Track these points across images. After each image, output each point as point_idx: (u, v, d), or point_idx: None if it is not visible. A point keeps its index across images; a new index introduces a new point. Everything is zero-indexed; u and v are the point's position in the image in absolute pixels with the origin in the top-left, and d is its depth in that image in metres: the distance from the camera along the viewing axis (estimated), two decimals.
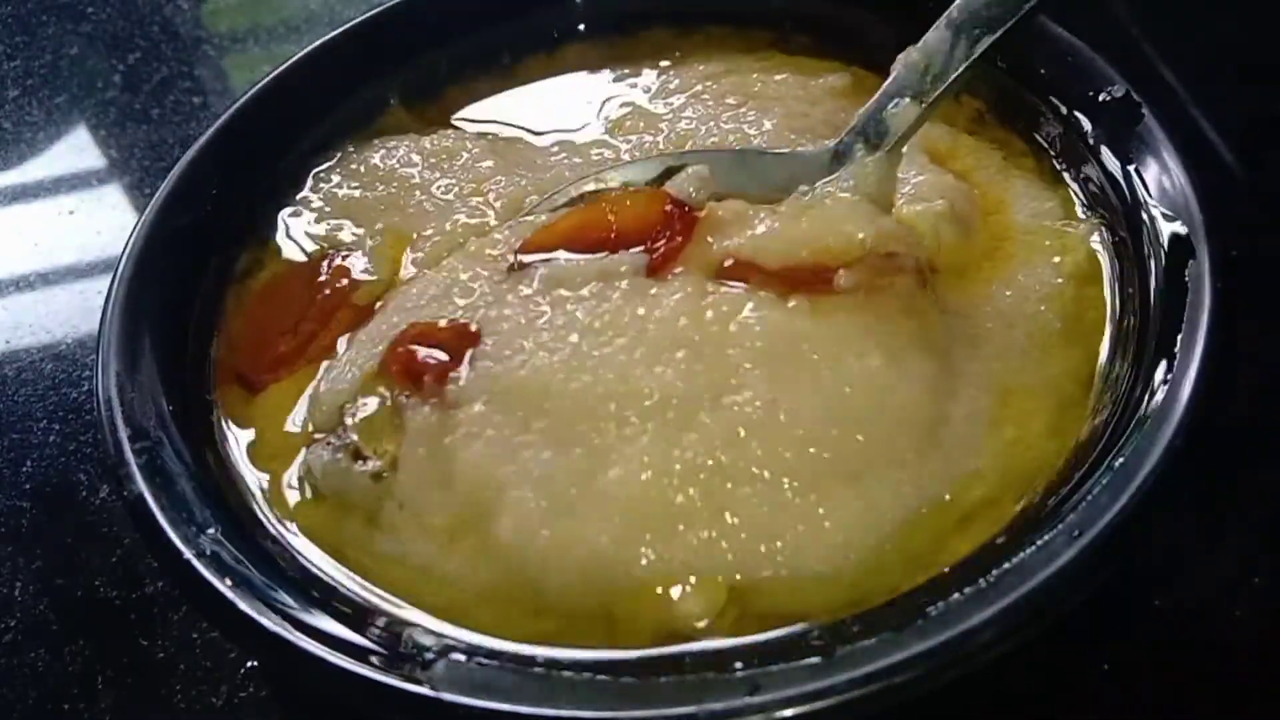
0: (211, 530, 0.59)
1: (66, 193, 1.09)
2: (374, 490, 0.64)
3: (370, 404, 0.66)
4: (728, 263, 0.65)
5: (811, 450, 0.60)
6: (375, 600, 0.61)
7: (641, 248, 0.67)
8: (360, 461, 0.64)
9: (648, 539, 0.59)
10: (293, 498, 0.66)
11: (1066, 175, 0.75)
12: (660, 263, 0.66)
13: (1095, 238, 0.72)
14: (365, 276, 0.75)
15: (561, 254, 0.69)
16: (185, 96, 1.16)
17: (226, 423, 0.69)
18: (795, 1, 0.90)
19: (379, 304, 0.73)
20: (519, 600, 0.60)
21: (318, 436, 0.67)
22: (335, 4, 1.26)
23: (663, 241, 0.67)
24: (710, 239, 0.67)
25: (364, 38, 0.85)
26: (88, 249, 1.02)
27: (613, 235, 0.68)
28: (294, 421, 0.69)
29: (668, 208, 0.68)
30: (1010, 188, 0.76)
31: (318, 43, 0.84)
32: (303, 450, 0.67)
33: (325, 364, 0.71)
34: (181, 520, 0.59)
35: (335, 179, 0.82)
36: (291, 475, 0.67)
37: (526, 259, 0.69)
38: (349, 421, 0.66)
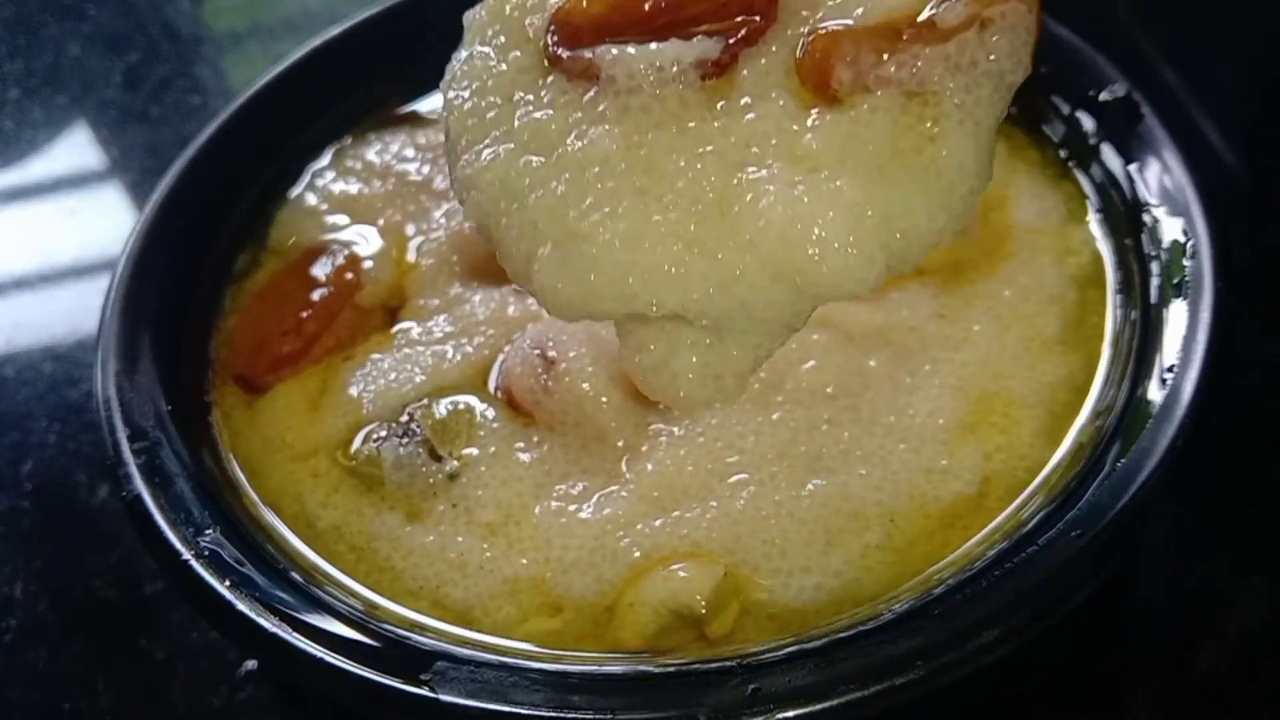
0: (210, 530, 0.59)
1: (67, 193, 1.09)
2: (440, 488, 0.64)
3: (444, 406, 0.67)
4: (807, 45, 0.51)
5: None
6: (376, 600, 0.61)
7: (705, 28, 0.53)
8: (437, 461, 0.65)
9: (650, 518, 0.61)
10: (316, 495, 0.66)
11: (1071, 172, 0.75)
12: (731, 58, 0.52)
13: (1100, 238, 0.71)
14: (367, 276, 0.74)
15: (608, 49, 0.53)
16: (185, 96, 1.16)
17: (227, 423, 0.69)
18: None
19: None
20: (540, 590, 0.60)
21: (374, 428, 0.67)
22: (335, 3, 1.26)
23: (738, 25, 0.53)
24: (794, 14, 0.53)
25: (363, 37, 0.85)
26: (88, 249, 1.02)
27: (668, 3, 0.54)
28: (315, 420, 0.69)
29: None
30: (1014, 183, 0.75)
31: (317, 42, 0.84)
32: (356, 439, 0.67)
33: (375, 356, 0.70)
34: (180, 521, 0.59)
35: (332, 175, 0.82)
36: (312, 471, 0.67)
37: (566, 54, 0.54)
38: (418, 418, 0.66)
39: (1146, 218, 0.68)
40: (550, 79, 0.54)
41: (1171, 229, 0.66)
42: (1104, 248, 0.71)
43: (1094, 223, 0.72)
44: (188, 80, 1.19)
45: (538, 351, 0.66)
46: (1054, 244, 0.71)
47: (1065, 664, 0.64)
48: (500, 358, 0.69)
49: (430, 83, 0.88)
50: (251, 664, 0.69)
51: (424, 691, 0.52)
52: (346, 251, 0.76)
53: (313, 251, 0.77)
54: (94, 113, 1.16)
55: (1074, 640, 0.65)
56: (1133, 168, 0.70)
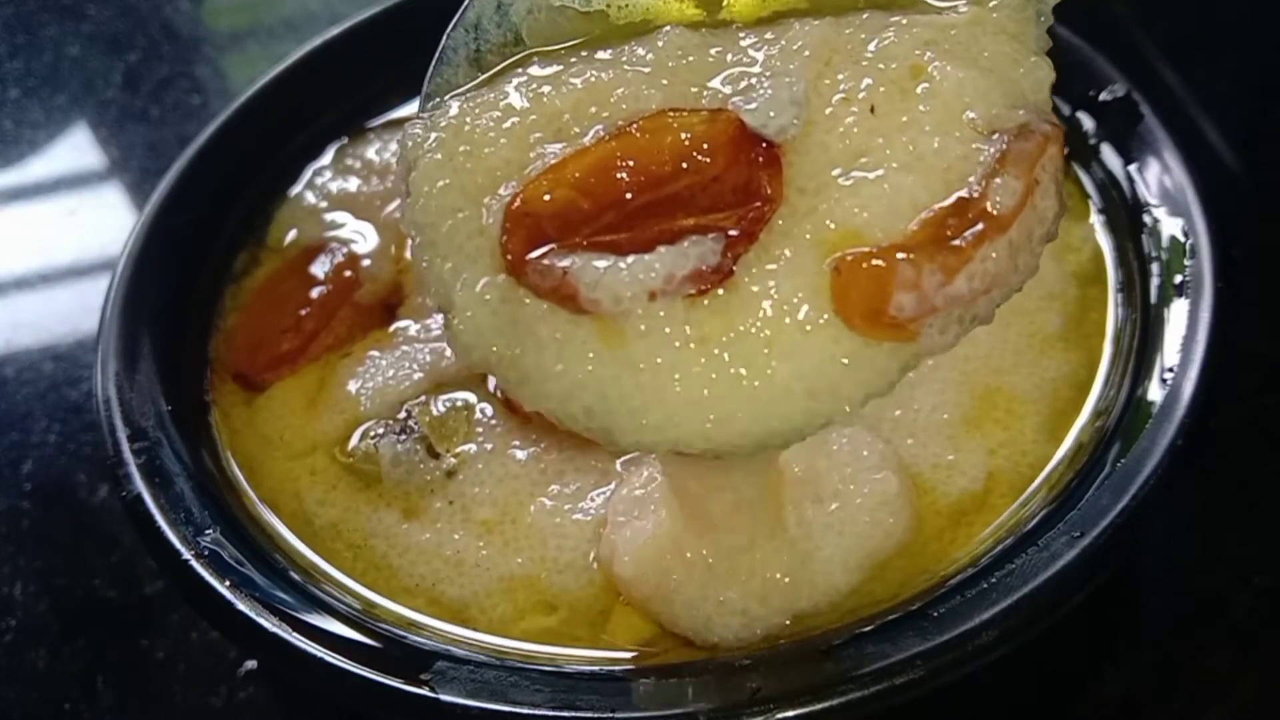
0: (210, 530, 0.59)
1: (67, 193, 1.09)
2: (437, 485, 0.64)
3: (442, 403, 0.67)
4: (844, 268, 0.43)
5: None
6: (373, 599, 0.61)
7: (693, 221, 0.44)
8: (434, 458, 0.65)
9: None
10: (313, 492, 0.66)
11: (1071, 169, 0.75)
12: (734, 259, 0.44)
13: (1100, 236, 0.71)
14: (366, 274, 0.74)
15: (585, 262, 0.44)
16: (185, 96, 1.16)
17: (226, 421, 0.69)
18: None
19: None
20: (535, 588, 0.60)
21: (371, 425, 0.67)
22: (335, 3, 1.26)
23: (735, 215, 0.44)
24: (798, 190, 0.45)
25: (363, 37, 0.85)
26: (88, 249, 1.02)
27: (650, 181, 0.45)
28: (312, 418, 0.69)
29: (733, 137, 0.44)
30: None
31: (317, 42, 0.84)
32: (354, 436, 0.67)
33: (373, 354, 0.70)
34: (180, 520, 0.59)
35: (331, 174, 0.82)
36: (309, 469, 0.67)
37: (531, 264, 0.45)
38: (416, 415, 0.66)
39: (1146, 218, 0.68)
40: (527, 303, 0.45)
41: (1171, 229, 0.66)
42: (1105, 246, 0.71)
43: (1095, 221, 0.72)
44: (188, 80, 1.19)
45: None
46: (1056, 242, 0.71)
47: (1065, 664, 0.64)
48: None
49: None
50: (251, 664, 0.69)
51: (424, 691, 0.52)
52: (345, 249, 0.76)
53: (312, 250, 0.77)
54: (94, 113, 1.16)
55: (1074, 640, 0.64)
56: (1133, 168, 0.70)
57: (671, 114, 0.46)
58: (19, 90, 1.19)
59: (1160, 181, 0.68)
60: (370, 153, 0.82)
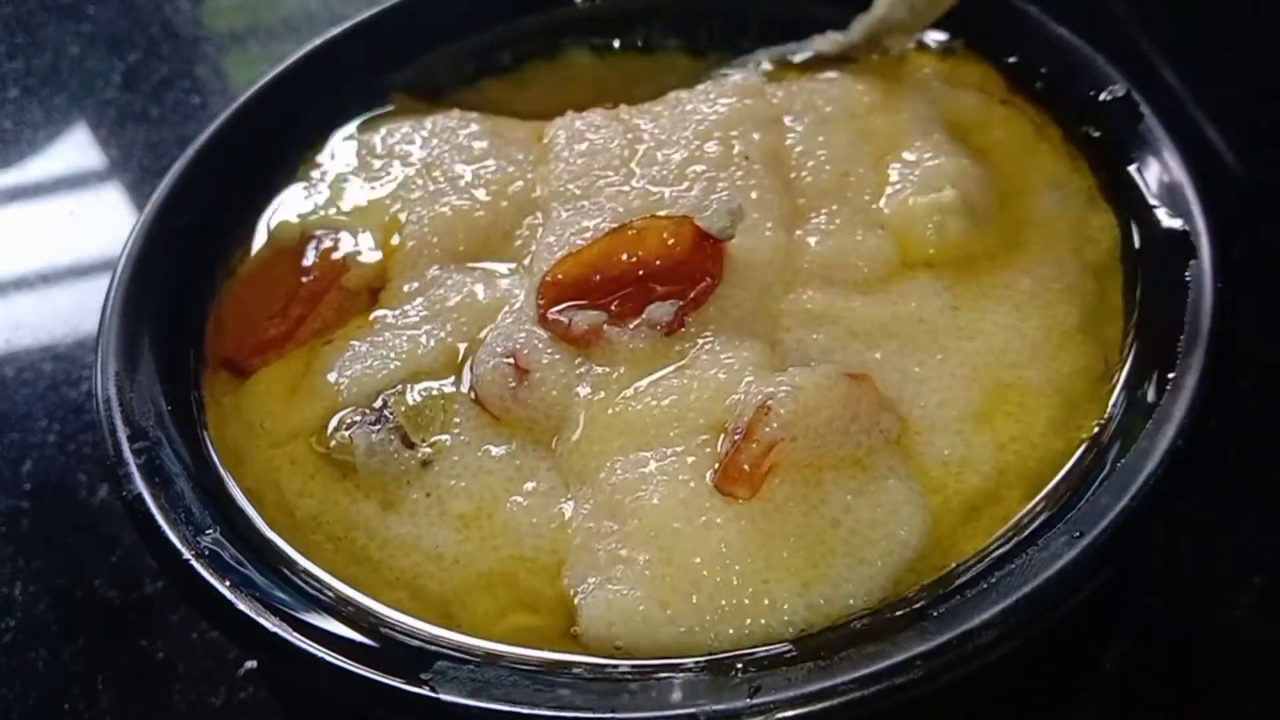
0: (210, 530, 0.59)
1: (66, 193, 1.09)
2: (414, 475, 0.63)
3: (418, 392, 0.66)
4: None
5: None
6: (375, 600, 0.61)
7: (666, 290, 0.66)
8: (410, 448, 0.64)
9: None
10: (293, 482, 0.65)
11: (1089, 162, 0.74)
12: (690, 308, 0.65)
13: (1118, 231, 0.71)
14: (353, 259, 0.74)
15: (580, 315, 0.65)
16: (185, 96, 1.16)
17: (216, 411, 0.69)
18: None
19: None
20: (513, 586, 0.60)
21: (347, 414, 0.67)
22: (335, 3, 1.26)
23: (691, 286, 0.65)
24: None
25: (363, 37, 0.85)
26: (88, 249, 1.02)
27: (638, 263, 0.67)
28: (293, 405, 0.68)
29: (693, 234, 0.67)
30: (1036, 167, 0.74)
31: (317, 42, 0.84)
32: (331, 424, 0.66)
33: (353, 341, 0.70)
34: (180, 520, 0.59)
35: (324, 164, 0.81)
36: (289, 458, 0.66)
37: (553, 315, 0.66)
38: (391, 404, 0.66)
39: (1147, 218, 0.68)
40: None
41: (1171, 229, 0.66)
42: (1120, 244, 0.70)
43: (1117, 216, 0.72)
44: (188, 80, 1.19)
45: (510, 360, 0.65)
46: (1073, 231, 0.71)
47: (1065, 664, 0.64)
48: (473, 358, 0.68)
49: (429, 81, 0.88)
50: (251, 664, 0.69)
51: (424, 691, 0.52)
52: (334, 235, 0.75)
53: (303, 239, 0.76)
54: (94, 113, 1.16)
55: (1074, 640, 0.65)
56: (1133, 168, 0.70)
57: (655, 218, 0.69)
58: (19, 90, 1.19)
59: (1160, 181, 0.68)
60: (367, 147, 0.82)
